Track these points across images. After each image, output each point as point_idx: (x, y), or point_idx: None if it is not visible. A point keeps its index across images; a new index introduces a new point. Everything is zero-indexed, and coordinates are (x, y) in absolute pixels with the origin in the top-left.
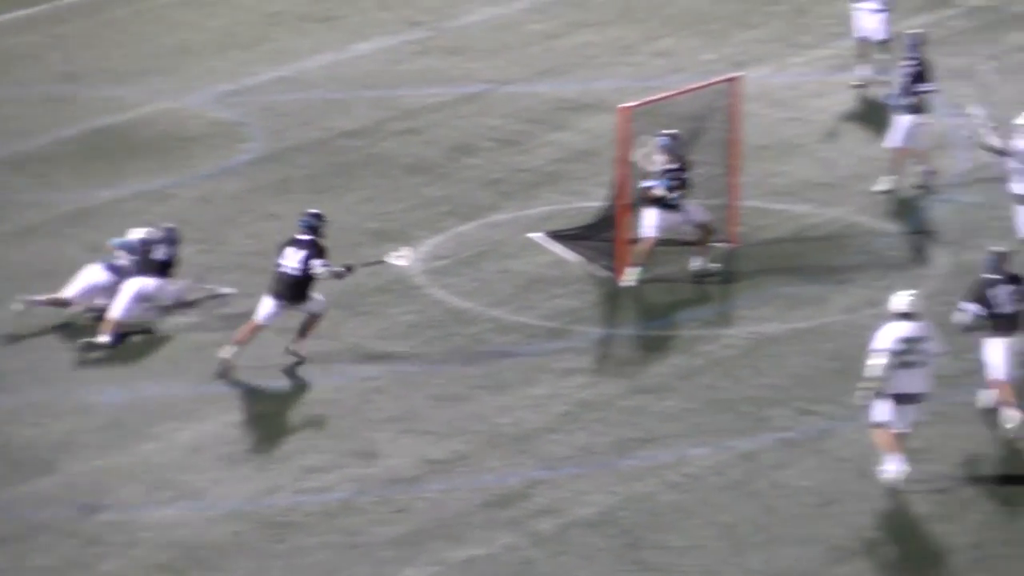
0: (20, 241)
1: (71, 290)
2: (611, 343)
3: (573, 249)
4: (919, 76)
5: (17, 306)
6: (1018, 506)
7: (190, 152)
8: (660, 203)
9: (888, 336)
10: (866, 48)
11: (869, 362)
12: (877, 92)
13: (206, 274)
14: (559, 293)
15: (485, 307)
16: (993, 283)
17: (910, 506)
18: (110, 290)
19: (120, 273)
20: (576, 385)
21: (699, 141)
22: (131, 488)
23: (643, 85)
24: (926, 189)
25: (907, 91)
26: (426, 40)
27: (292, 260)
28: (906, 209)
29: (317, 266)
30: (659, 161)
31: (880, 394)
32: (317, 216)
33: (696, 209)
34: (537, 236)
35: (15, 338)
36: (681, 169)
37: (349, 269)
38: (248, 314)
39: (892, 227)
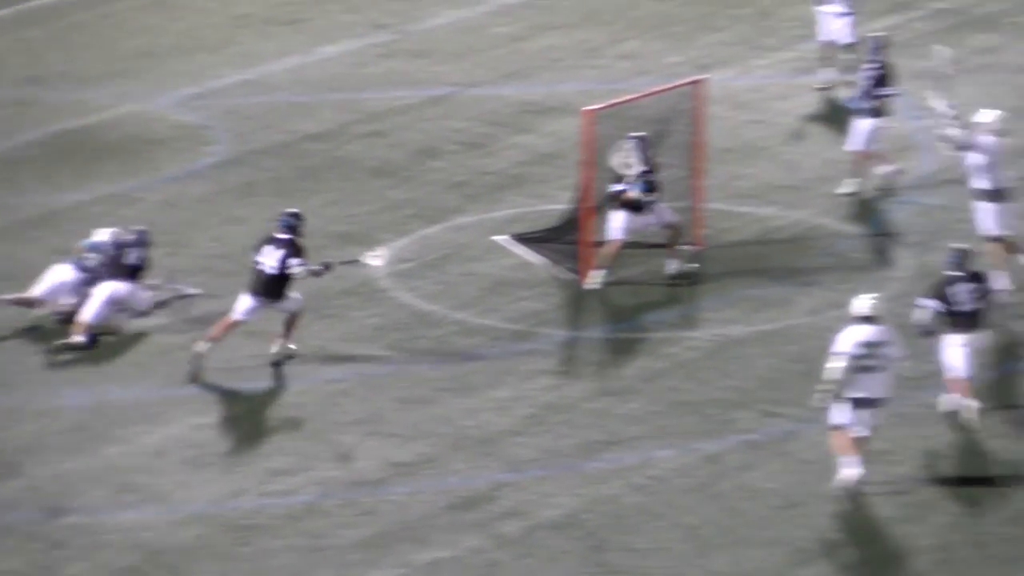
0: None
1: (38, 289)
2: (576, 345)
3: (538, 252)
4: (881, 80)
5: None
6: (981, 508)
7: (155, 155)
8: (629, 206)
9: (848, 339)
10: (830, 51)
11: (828, 365)
12: (841, 95)
13: (172, 276)
14: (524, 296)
15: (450, 310)
16: (954, 280)
17: (874, 508)
18: (77, 289)
19: (89, 272)
20: (541, 387)
21: (663, 144)
22: (96, 491)
23: (608, 88)
24: (890, 190)
25: (869, 94)
26: (391, 43)
27: (270, 258)
28: (870, 211)
29: (294, 265)
30: (637, 164)
31: (839, 397)
32: (295, 215)
33: (663, 211)
34: (502, 239)
35: None
36: (650, 171)
37: (327, 267)
38: (213, 316)
39: (856, 229)
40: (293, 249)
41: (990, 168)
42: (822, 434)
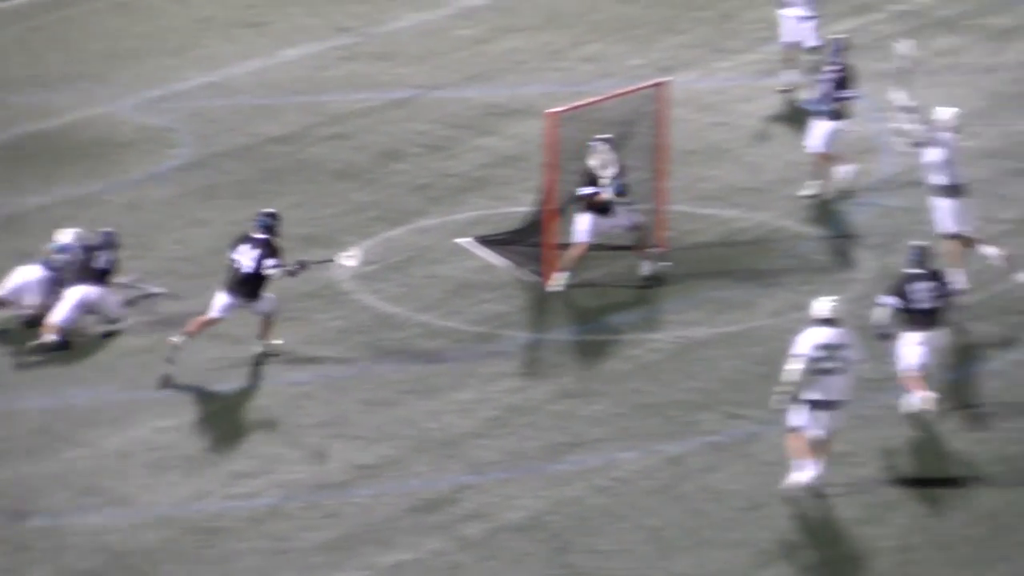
0: None
1: (3, 288)
2: (539, 348)
3: (501, 254)
4: (842, 82)
5: None
6: (943, 509)
7: (119, 158)
8: (595, 208)
9: (807, 342)
10: (793, 53)
11: (786, 367)
12: (803, 97)
13: (139, 276)
14: (487, 298)
15: (413, 312)
16: (914, 278)
17: (836, 509)
18: (44, 289)
19: (56, 271)
20: (504, 390)
21: (627, 146)
22: (59, 494)
23: (571, 90)
24: (850, 191)
25: (830, 97)
26: (354, 46)
27: (246, 257)
28: (832, 213)
29: (269, 266)
30: (613, 166)
31: (796, 399)
32: (272, 215)
33: (629, 213)
34: (465, 241)
35: None
36: (621, 174)
37: (302, 266)
38: (177, 318)
39: (818, 231)
40: (269, 249)
41: (947, 164)
42: (785, 436)
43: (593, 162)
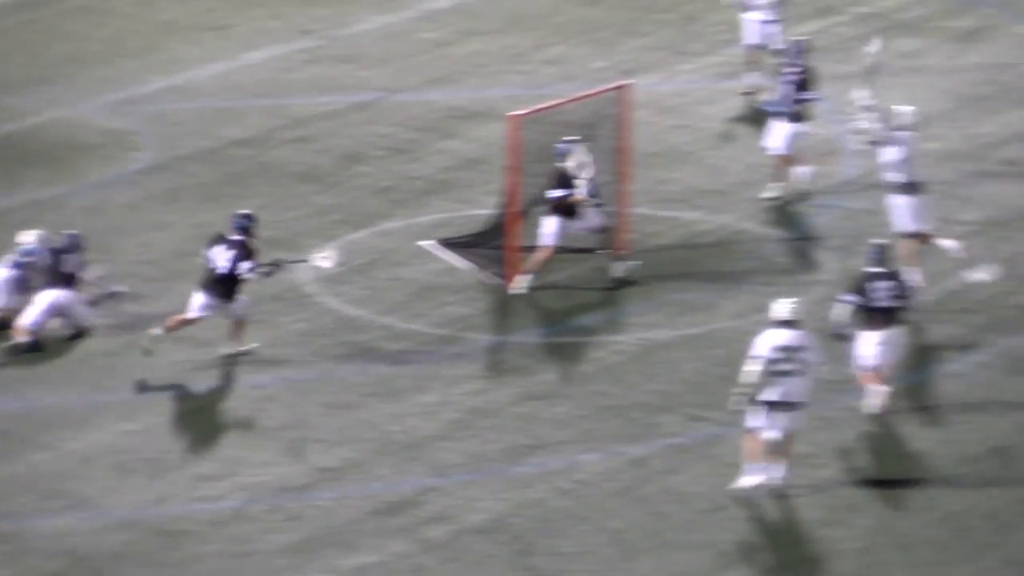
0: None
1: None
2: (502, 350)
3: (464, 257)
4: (803, 84)
5: None
6: (905, 510)
7: (81, 161)
8: (562, 211)
9: (765, 343)
10: (755, 56)
11: (745, 368)
12: (764, 99)
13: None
14: (450, 300)
15: (376, 315)
16: (873, 276)
17: (798, 511)
18: (10, 289)
19: (22, 270)
20: (467, 392)
21: (589, 149)
22: (22, 497)
23: (534, 93)
24: (809, 193)
25: (790, 99)
26: (317, 49)
27: (221, 258)
28: (794, 215)
29: (244, 269)
30: (588, 168)
31: (754, 400)
32: (248, 217)
33: (594, 216)
34: (428, 244)
35: None
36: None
37: (277, 266)
38: (141, 322)
39: (780, 233)
40: (244, 251)
41: (905, 163)
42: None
43: (569, 164)
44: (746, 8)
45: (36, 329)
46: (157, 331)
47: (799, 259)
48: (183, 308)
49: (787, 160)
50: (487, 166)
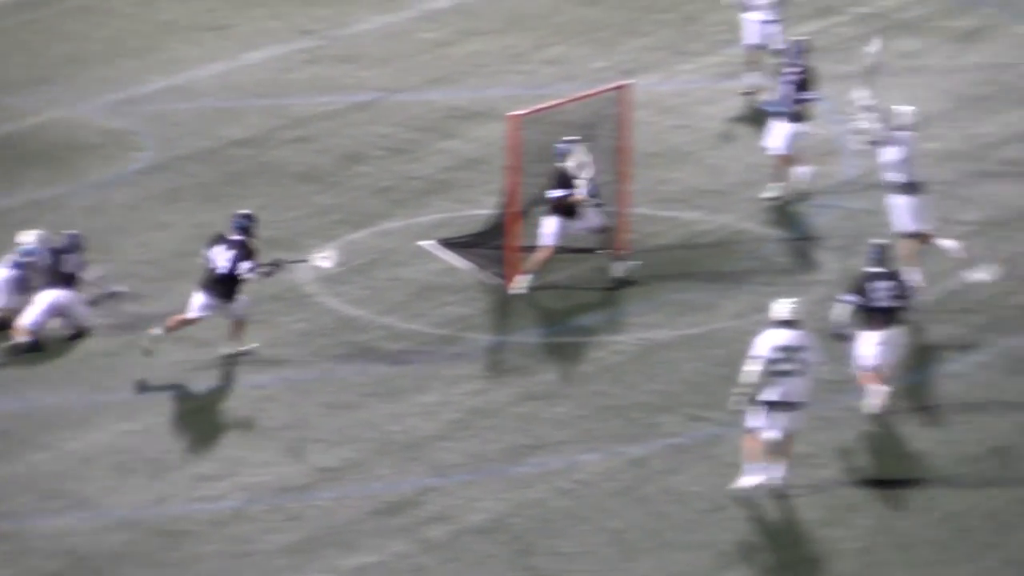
0: None
1: None
2: (502, 350)
3: (464, 257)
4: (803, 84)
5: None
6: (905, 510)
7: (81, 161)
8: (563, 211)
9: (765, 343)
10: (755, 56)
11: (744, 368)
12: (764, 99)
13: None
14: (450, 300)
15: (376, 315)
16: (874, 276)
17: (798, 511)
18: (10, 288)
19: (22, 270)
20: (467, 392)
21: (589, 149)
22: (22, 497)
23: (534, 93)
24: (808, 192)
25: (790, 99)
26: (317, 49)
27: (221, 258)
28: (794, 215)
29: (244, 269)
30: (589, 168)
31: (754, 400)
32: (248, 217)
33: (594, 216)
34: (428, 244)
35: None
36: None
37: (277, 265)
38: (140, 322)
39: (780, 233)
40: (244, 251)
41: (905, 163)
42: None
43: (569, 164)
44: (746, 8)
45: (36, 329)
46: (157, 331)
47: (799, 259)
48: (183, 308)
49: (787, 160)
50: (487, 166)
